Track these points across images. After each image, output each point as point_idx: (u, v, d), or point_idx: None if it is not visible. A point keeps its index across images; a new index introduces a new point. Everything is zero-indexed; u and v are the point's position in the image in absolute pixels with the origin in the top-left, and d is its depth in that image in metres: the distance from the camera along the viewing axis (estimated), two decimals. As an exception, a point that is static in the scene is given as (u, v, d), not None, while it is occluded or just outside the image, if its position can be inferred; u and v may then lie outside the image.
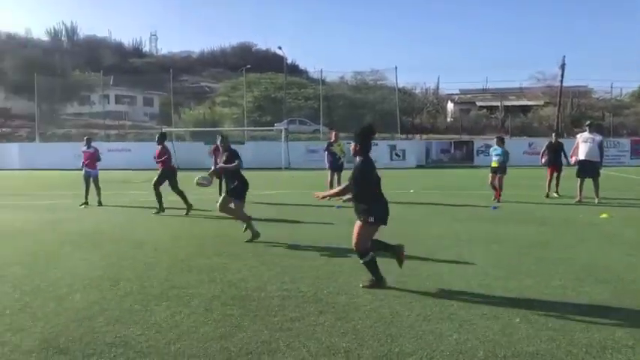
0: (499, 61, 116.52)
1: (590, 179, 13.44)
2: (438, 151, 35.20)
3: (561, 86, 46.28)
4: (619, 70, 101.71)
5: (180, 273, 6.66)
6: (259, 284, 6.09)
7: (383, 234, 6.12)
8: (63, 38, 78.24)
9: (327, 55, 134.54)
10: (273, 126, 40.83)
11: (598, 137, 13.76)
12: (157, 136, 12.94)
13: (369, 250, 5.86)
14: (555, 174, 14.99)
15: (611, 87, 49.97)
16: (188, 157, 32.82)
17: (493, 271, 6.63)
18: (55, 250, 8.19)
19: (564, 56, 45.96)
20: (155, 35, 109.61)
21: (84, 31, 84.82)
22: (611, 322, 4.74)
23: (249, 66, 45.82)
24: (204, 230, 9.95)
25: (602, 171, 13.89)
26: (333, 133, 14.95)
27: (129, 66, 67.56)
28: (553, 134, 16.30)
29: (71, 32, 78.84)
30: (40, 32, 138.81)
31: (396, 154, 33.76)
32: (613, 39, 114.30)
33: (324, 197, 6.43)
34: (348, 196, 6.03)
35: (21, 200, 15.40)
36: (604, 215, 11.21)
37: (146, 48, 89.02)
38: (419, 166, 33.07)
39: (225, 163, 9.10)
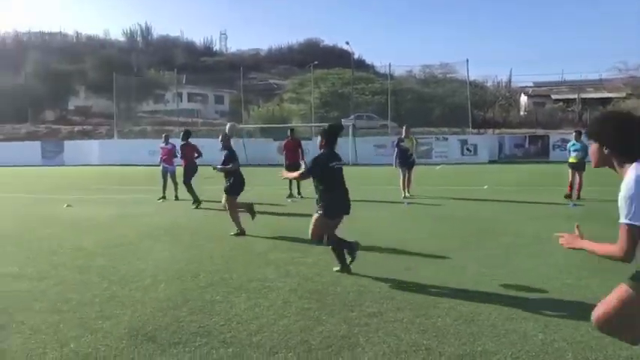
0: (575, 52, 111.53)
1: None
2: (511, 145, 34.06)
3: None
4: None
5: (257, 266, 6.78)
6: (334, 279, 6.10)
7: (460, 230, 5.99)
8: (138, 38, 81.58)
9: (394, 49, 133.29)
10: (340, 122, 40.92)
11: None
12: (182, 133, 13.83)
13: (330, 240, 6.30)
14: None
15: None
16: (257, 154, 33.47)
17: (576, 270, 6.34)
18: (136, 242, 8.54)
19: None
20: (225, 34, 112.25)
21: (158, 31, 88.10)
22: None
23: (316, 62, 46.05)
24: (278, 225, 10.07)
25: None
26: (404, 128, 14.75)
27: (200, 64, 69.59)
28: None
29: (146, 32, 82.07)
30: (117, 33, 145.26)
31: (467, 149, 32.97)
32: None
33: (285, 178, 7.30)
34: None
35: (101, 194, 16.17)
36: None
37: (216, 47, 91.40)
38: (491, 162, 32.14)
39: (222, 164, 9.21)
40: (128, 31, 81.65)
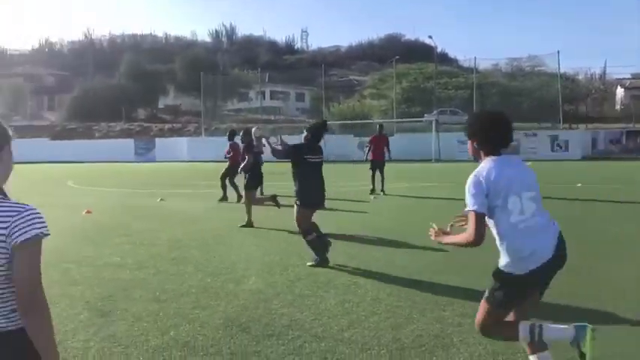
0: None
1: None
2: (606, 141, 32.20)
3: None
4: None
5: (343, 262, 6.79)
6: (423, 277, 6.00)
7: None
8: (223, 38, 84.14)
9: (478, 43, 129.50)
10: (422, 117, 40.23)
11: None
12: (227, 133, 14.11)
13: (310, 230, 6.60)
14: None
15: None
16: (337, 150, 33.56)
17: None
18: (227, 235, 8.79)
19: None
20: (306, 32, 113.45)
21: (242, 31, 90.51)
22: None
23: (397, 57, 45.58)
24: (363, 222, 10.05)
25: None
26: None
27: (282, 63, 70.83)
28: None
29: (230, 32, 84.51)
30: (203, 34, 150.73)
31: (558, 145, 31.51)
32: None
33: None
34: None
35: (191, 189, 16.82)
36: None
37: (298, 44, 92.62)
38: (584, 158, 30.53)
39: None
40: (214, 32, 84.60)
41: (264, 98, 54.86)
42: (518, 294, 3.09)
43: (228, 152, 13.64)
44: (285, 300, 5.22)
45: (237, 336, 4.33)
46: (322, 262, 6.51)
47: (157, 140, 41.19)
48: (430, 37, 51.74)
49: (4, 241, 1.74)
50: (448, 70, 54.83)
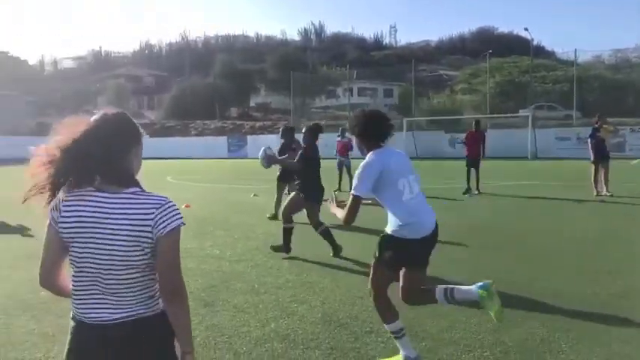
0: None
1: None
2: None
3: None
4: None
5: (441, 261, 6.65)
6: (525, 279, 5.77)
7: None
8: (312, 37, 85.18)
9: (578, 34, 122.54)
10: (517, 112, 38.61)
11: None
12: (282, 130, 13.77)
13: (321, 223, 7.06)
14: None
15: None
16: (427, 147, 33.03)
17: None
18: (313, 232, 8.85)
19: None
20: (394, 27, 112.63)
21: (330, 28, 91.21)
22: None
23: (490, 51, 44.09)
24: (458, 221, 9.80)
25: None
26: (597, 117, 13.27)
27: (370, 59, 70.60)
28: None
29: (319, 30, 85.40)
30: (292, 33, 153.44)
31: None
32: None
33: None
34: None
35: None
36: None
37: (386, 40, 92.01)
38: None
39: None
40: (303, 30, 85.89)
41: (352, 95, 54.88)
42: (405, 257, 3.59)
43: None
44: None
45: (336, 331, 4.35)
46: (335, 250, 7.03)
47: (249, 137, 42.38)
48: (526, 29, 49.72)
49: (150, 232, 1.84)
50: (545, 64, 52.26)
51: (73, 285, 1.92)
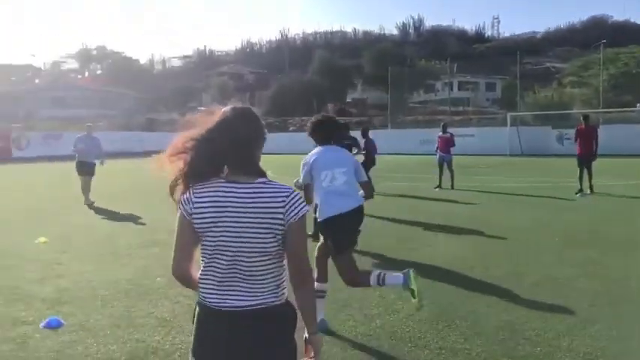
0: None
1: None
2: None
3: None
4: None
5: (553, 263, 6.32)
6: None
7: None
8: (410, 31, 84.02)
9: None
10: (634, 106, 35.76)
11: None
12: (361, 129, 14.64)
13: None
14: None
15: None
16: (533, 143, 31.52)
17: None
18: (424, 230, 8.71)
19: None
20: (497, 19, 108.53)
21: (429, 22, 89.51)
22: None
23: (604, 41, 41.18)
24: (570, 221, 9.26)
25: None
26: None
27: (472, 52, 68.55)
28: None
29: (418, 24, 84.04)
30: (391, 27, 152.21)
31: None
32: None
33: None
34: None
35: (379, 182, 16.96)
36: None
37: (488, 32, 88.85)
38: None
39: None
40: (401, 25, 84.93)
41: (452, 89, 53.57)
42: (339, 234, 4.21)
43: (363, 148, 13.92)
44: (489, 300, 5.01)
45: (444, 331, 4.26)
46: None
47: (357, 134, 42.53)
48: (644, 16, 45.80)
49: (282, 219, 1.91)
50: (667, 53, 48.02)
51: (205, 273, 1.99)
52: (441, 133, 14.79)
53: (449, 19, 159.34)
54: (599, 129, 14.10)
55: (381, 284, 4.22)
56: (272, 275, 1.97)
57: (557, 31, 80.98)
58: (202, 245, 1.98)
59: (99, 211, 11.06)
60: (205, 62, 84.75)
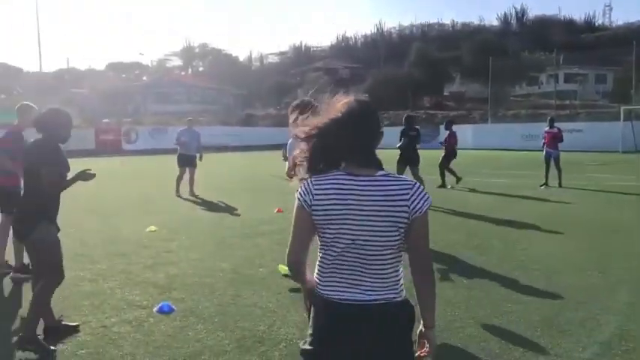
0: None
1: None
2: None
3: None
4: None
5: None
6: None
7: None
8: (512, 21, 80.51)
9: None
10: None
11: None
12: (445, 122, 15.13)
13: None
14: None
15: None
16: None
17: None
18: (527, 229, 8.29)
19: None
20: (609, 6, 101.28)
21: (533, 11, 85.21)
22: None
23: None
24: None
25: None
26: None
27: (580, 42, 64.47)
28: None
29: (521, 14, 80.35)
30: (491, 18, 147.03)
31: None
32: None
33: None
34: None
35: (478, 178, 16.39)
36: None
37: (599, 21, 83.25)
38: None
39: None
40: (502, 15, 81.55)
41: (558, 81, 50.66)
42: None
43: (446, 140, 14.29)
44: (605, 305, 4.67)
45: (557, 337, 4.00)
46: None
47: (442, 127, 41.53)
48: None
49: (407, 212, 1.87)
50: None
51: (322, 265, 1.97)
52: (547, 128, 14.00)
53: (554, 9, 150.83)
54: None
55: None
56: (392, 270, 1.93)
57: (678, 17, 74.39)
58: (320, 237, 1.96)
59: (202, 202, 11.52)
60: (301, 58, 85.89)
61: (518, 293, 5.03)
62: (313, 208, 1.90)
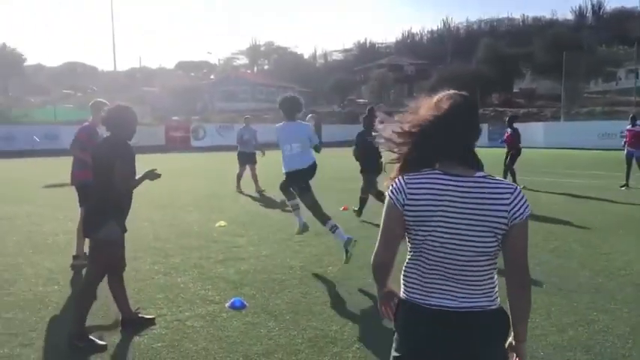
0: None
1: None
2: None
3: None
4: None
5: None
6: None
7: None
8: (588, 14, 77.03)
9: None
10: None
11: None
12: (508, 118, 14.15)
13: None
14: None
15: None
16: None
17: None
18: (603, 229, 7.84)
19: None
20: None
21: (611, 4, 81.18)
22: None
23: None
24: None
25: None
26: None
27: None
28: None
29: (597, 7, 76.73)
30: (565, 12, 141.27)
31: None
32: None
33: None
34: None
35: (549, 177, 15.72)
36: None
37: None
38: None
39: None
40: (577, 8, 78.12)
41: (638, 77, 48.01)
42: (295, 182, 6.15)
43: (508, 138, 13.61)
44: None
45: (652, 349, 3.70)
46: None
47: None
48: None
49: (505, 218, 1.74)
50: None
51: (410, 267, 1.88)
52: (629, 126, 13.22)
53: (633, 1, 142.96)
54: None
55: (332, 232, 5.91)
56: (487, 277, 1.81)
57: None
58: (411, 239, 1.86)
59: (268, 198, 11.60)
60: (365, 55, 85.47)
61: (603, 301, 4.74)
62: (406, 207, 1.81)
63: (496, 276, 1.83)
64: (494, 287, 1.83)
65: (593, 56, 49.10)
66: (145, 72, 76.42)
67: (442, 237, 1.77)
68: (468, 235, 1.75)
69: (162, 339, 3.99)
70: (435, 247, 1.79)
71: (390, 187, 1.86)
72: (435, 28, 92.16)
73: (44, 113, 36.81)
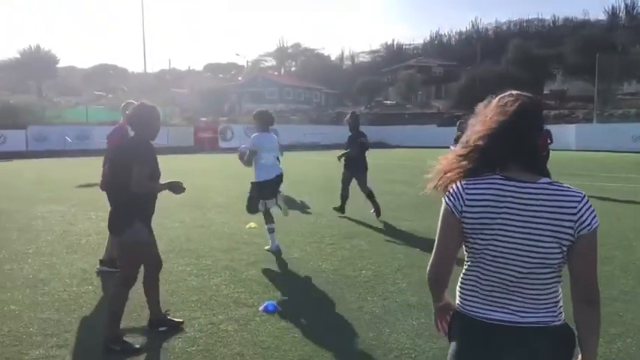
0: None
1: None
2: None
3: None
4: None
5: None
6: None
7: None
8: (621, 14, 75.40)
9: None
10: None
11: None
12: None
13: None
14: None
15: None
16: None
17: None
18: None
19: None
20: None
21: (644, 4, 79.04)
22: None
23: None
24: None
25: None
26: None
27: None
28: None
29: (630, 7, 75.02)
30: (597, 12, 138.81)
31: None
32: None
33: None
34: None
35: (579, 181, 15.34)
36: None
37: None
38: None
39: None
40: (610, 9, 76.49)
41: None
42: (260, 192, 6.71)
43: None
44: None
45: None
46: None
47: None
48: None
49: (572, 228, 1.63)
50: None
51: (467, 278, 1.78)
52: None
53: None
54: None
55: (269, 232, 6.74)
56: (550, 291, 1.69)
57: None
58: (468, 248, 1.76)
59: (295, 201, 11.51)
60: (393, 56, 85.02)
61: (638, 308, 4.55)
62: (464, 214, 1.71)
63: (560, 289, 1.72)
64: (558, 301, 1.71)
65: (627, 57, 47.94)
66: (174, 74, 77.31)
67: (502, 246, 1.67)
68: (530, 245, 1.64)
69: (196, 342, 3.95)
70: (495, 256, 1.69)
71: (447, 193, 1.77)
72: (463, 30, 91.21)
73: (76, 114, 37.45)
